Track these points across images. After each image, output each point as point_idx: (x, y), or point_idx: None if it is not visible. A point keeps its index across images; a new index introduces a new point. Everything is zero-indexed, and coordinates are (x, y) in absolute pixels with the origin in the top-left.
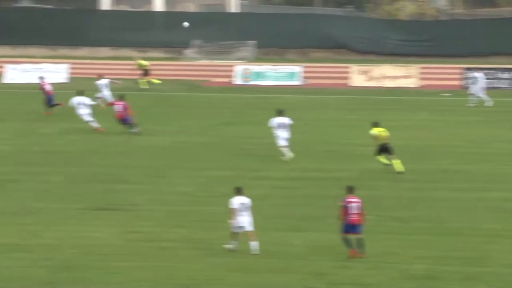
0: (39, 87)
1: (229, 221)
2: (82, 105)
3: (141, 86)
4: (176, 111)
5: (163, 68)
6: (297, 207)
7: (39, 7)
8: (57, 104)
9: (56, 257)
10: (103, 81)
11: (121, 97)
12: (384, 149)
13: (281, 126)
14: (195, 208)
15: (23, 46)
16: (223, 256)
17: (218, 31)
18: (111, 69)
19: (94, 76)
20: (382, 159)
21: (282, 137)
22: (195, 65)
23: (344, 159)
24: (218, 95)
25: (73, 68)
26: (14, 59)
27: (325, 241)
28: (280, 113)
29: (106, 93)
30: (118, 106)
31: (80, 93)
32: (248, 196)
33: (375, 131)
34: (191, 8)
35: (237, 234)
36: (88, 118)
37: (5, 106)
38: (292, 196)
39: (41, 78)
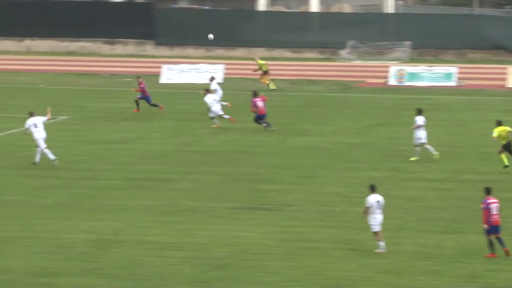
0: (139, 87)
1: (363, 215)
2: (215, 102)
3: (271, 88)
4: (330, 112)
5: (318, 68)
6: (451, 209)
7: (197, 8)
8: (156, 105)
9: (208, 256)
10: (215, 83)
11: (256, 93)
12: (507, 147)
13: (423, 125)
14: (347, 209)
15: (180, 46)
16: (374, 257)
17: (373, 32)
18: None
19: (248, 76)
20: (504, 158)
21: (422, 136)
22: (350, 65)
23: (499, 161)
24: (372, 96)
25: (228, 69)
26: (171, 60)
27: (479, 243)
28: (420, 112)
29: (219, 93)
30: (260, 102)
31: (208, 91)
32: (401, 198)
33: (498, 130)
34: (347, 8)
35: (379, 233)
36: (220, 112)
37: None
38: (445, 198)
39: (138, 77)
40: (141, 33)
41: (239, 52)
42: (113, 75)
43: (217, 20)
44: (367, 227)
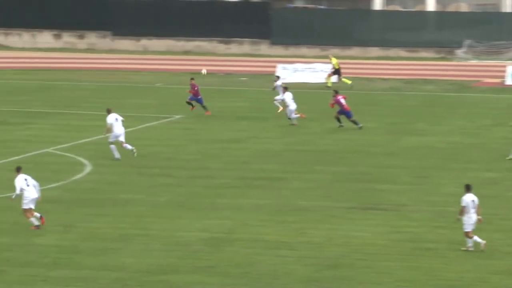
0: (192, 89)
1: (458, 217)
2: (292, 100)
3: (328, 85)
4: (446, 111)
5: (434, 68)
6: None
7: (312, 7)
8: (191, 105)
9: (321, 255)
10: (280, 82)
11: (337, 91)
12: None
13: None
14: None
15: (295, 46)
16: (488, 258)
17: (491, 31)
18: (379, 69)
19: (364, 75)
20: None
21: None
22: (466, 65)
23: None
24: (488, 96)
25: (342, 68)
26: (286, 59)
27: None
28: None
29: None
30: (343, 99)
31: (287, 88)
32: None
33: None
34: (464, 8)
35: (470, 233)
36: (293, 115)
37: (274, 105)
38: None
39: (192, 79)
40: (256, 32)
41: (354, 51)
42: (228, 74)
43: (332, 19)
44: (482, 228)
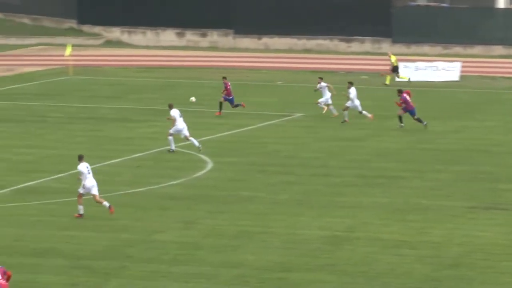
0: (225, 88)
1: None
2: (355, 97)
3: (386, 82)
4: None
5: None
6: None
7: (435, 5)
8: (238, 105)
9: (441, 255)
10: (323, 84)
11: (400, 91)
12: None
13: None
14: None
15: (417, 44)
16: None
17: None
18: (502, 67)
19: (487, 74)
20: None
21: None
22: None
23: None
24: None
25: (464, 67)
26: (407, 57)
27: None
28: None
29: (328, 95)
30: (408, 97)
31: (352, 83)
32: None
33: None
34: None
35: None
36: (360, 108)
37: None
38: None
39: (224, 78)
40: (378, 31)
41: (477, 50)
42: (349, 72)
43: (455, 17)
44: None
